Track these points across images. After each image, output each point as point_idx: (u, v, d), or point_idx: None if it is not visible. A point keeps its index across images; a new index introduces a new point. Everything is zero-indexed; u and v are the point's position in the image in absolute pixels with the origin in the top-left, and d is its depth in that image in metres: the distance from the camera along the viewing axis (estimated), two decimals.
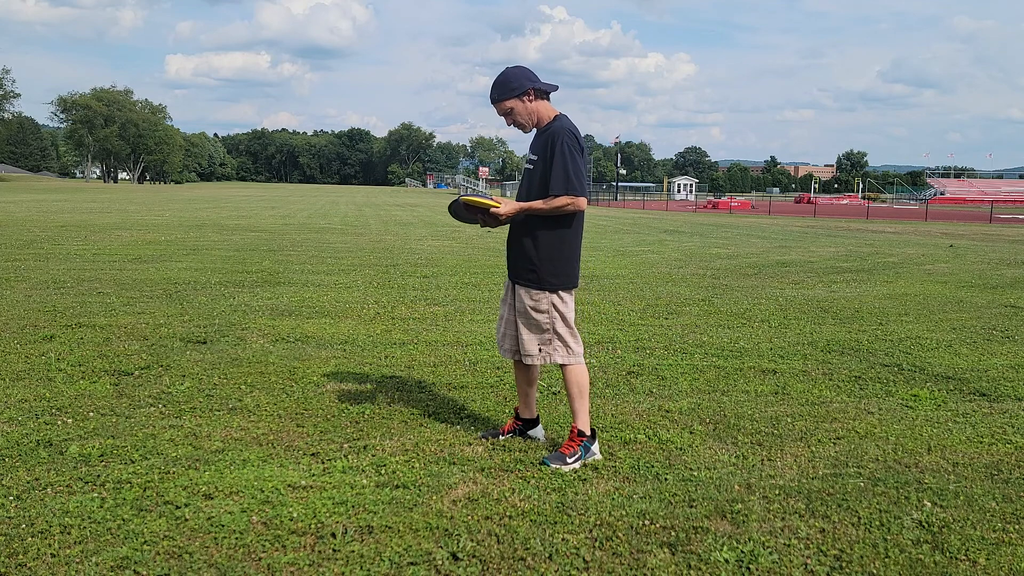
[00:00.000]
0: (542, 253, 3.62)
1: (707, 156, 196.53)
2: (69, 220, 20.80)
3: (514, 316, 3.77)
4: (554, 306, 3.66)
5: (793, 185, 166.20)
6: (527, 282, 3.66)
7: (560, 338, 3.68)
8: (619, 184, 79.59)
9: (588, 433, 3.67)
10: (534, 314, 3.65)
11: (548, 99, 3.70)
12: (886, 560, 2.77)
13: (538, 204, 3.57)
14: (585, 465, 3.59)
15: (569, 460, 3.56)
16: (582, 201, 3.58)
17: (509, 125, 3.72)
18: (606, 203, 61.07)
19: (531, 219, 3.62)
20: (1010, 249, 18.43)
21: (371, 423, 4.15)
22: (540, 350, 3.68)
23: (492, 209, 3.56)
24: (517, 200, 3.71)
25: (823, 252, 16.60)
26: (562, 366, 3.71)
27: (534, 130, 3.74)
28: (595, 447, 3.70)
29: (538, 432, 3.97)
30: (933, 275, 12.14)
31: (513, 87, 3.59)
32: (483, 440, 3.87)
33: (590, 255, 14.45)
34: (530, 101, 3.63)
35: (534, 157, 3.66)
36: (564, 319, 3.68)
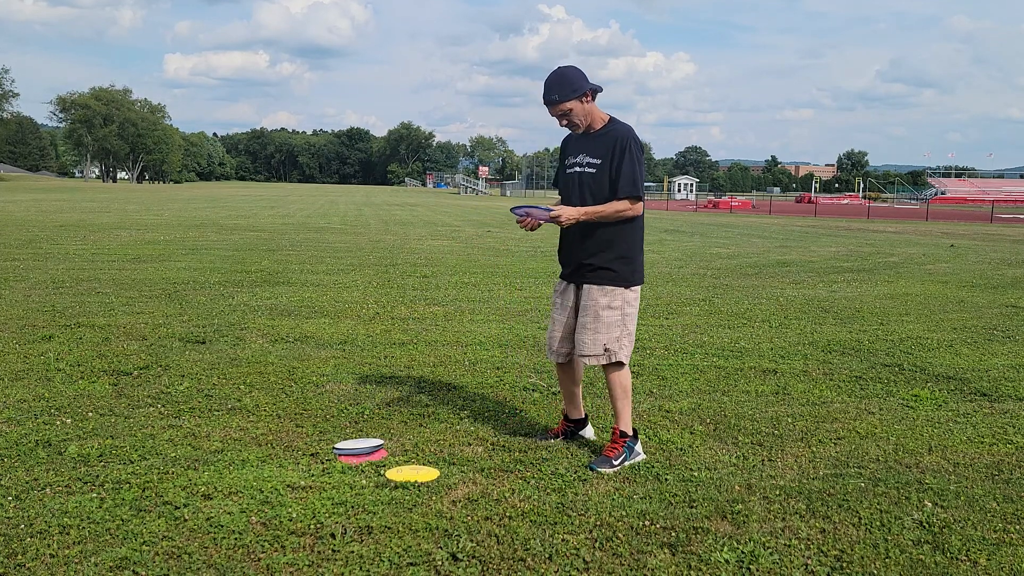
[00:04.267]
0: (616, 251, 3.65)
1: (707, 156, 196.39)
2: (68, 220, 20.78)
3: (574, 318, 3.77)
4: (627, 302, 3.69)
5: (794, 185, 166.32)
6: (602, 280, 3.66)
7: (628, 336, 3.71)
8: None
9: (631, 433, 3.70)
10: (606, 312, 3.65)
11: (595, 100, 3.71)
12: (887, 560, 2.76)
13: (600, 209, 3.59)
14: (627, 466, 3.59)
15: (615, 463, 3.57)
16: (640, 207, 3.63)
17: (562, 125, 3.71)
18: None
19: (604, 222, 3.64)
20: (1011, 249, 18.43)
21: (371, 423, 4.14)
22: (606, 349, 3.67)
23: (551, 215, 3.56)
24: (564, 203, 3.72)
25: (824, 252, 16.60)
26: (607, 366, 3.70)
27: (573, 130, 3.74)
28: (638, 447, 3.73)
29: (588, 432, 3.99)
30: (934, 275, 12.14)
31: (575, 87, 3.58)
32: (539, 443, 3.86)
33: None
34: (588, 102, 3.64)
35: (596, 161, 3.64)
36: (633, 316, 3.73)
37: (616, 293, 3.66)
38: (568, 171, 3.77)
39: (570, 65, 3.69)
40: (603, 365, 3.69)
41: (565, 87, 3.58)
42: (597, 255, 3.66)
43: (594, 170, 3.65)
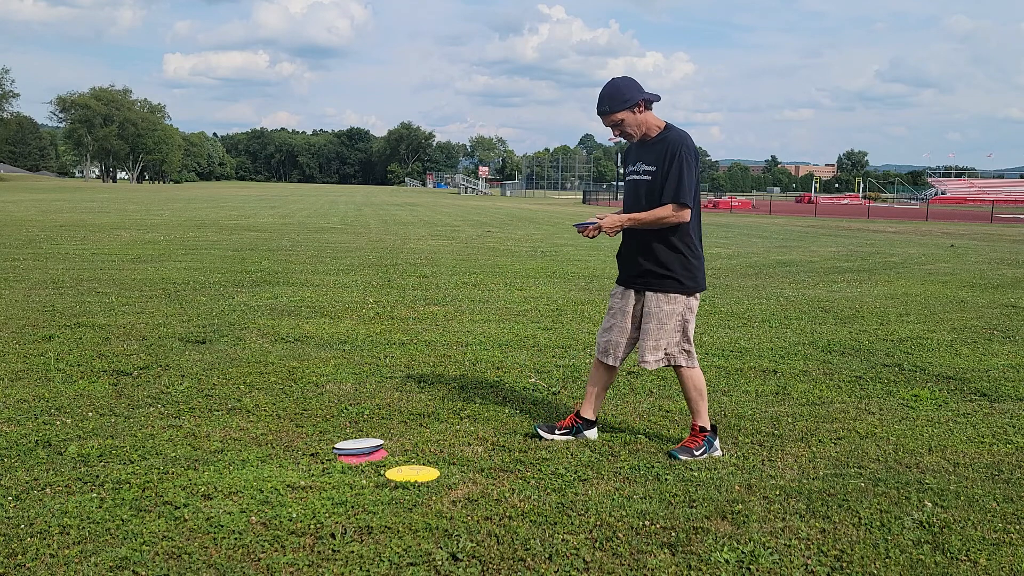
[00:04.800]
0: (676, 258, 3.73)
1: (707, 155, 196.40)
2: (68, 220, 20.78)
3: (633, 324, 3.85)
4: (688, 308, 3.77)
5: (794, 185, 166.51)
6: (666, 288, 3.73)
7: (688, 341, 3.79)
8: (619, 184, 79.51)
9: (709, 429, 3.80)
10: (668, 319, 3.74)
11: (652, 109, 3.77)
12: (887, 560, 2.76)
13: (643, 216, 3.68)
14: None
15: (696, 452, 3.74)
16: (686, 214, 3.67)
17: (616, 136, 3.80)
18: (607, 203, 61.06)
19: (659, 229, 3.70)
20: (1011, 249, 18.43)
21: (371, 423, 4.14)
22: (666, 354, 3.76)
23: (593, 224, 3.70)
24: (625, 210, 3.81)
25: (824, 252, 16.60)
26: (680, 368, 3.80)
27: (634, 139, 3.82)
28: (717, 443, 3.82)
29: (593, 433, 4.01)
30: (934, 275, 12.14)
31: (625, 99, 3.67)
32: (538, 432, 3.93)
33: (590, 255, 14.44)
34: (640, 112, 3.72)
35: (650, 168, 3.71)
36: (692, 321, 3.80)
37: (679, 300, 3.75)
38: (627, 179, 3.89)
39: (625, 76, 3.76)
40: (676, 368, 3.81)
41: (615, 99, 3.67)
42: (659, 263, 3.74)
43: (649, 177, 3.73)
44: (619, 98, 3.67)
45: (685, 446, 3.75)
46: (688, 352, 3.79)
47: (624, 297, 3.89)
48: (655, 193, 3.69)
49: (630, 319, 3.87)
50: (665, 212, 3.64)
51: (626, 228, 3.75)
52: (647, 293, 3.78)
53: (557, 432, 3.93)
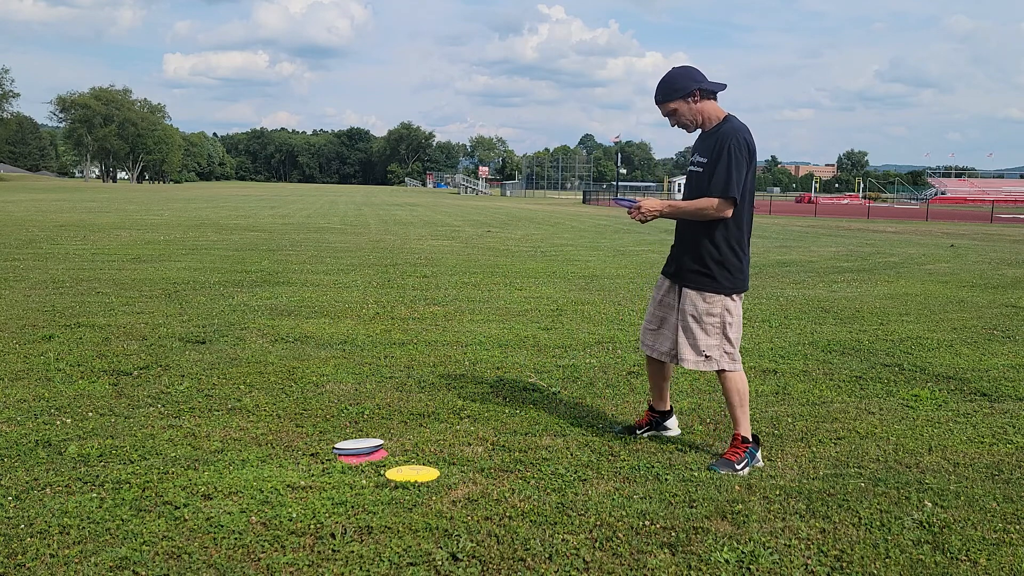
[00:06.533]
0: (713, 254, 3.61)
1: None
2: (68, 220, 20.78)
3: (676, 319, 3.74)
4: (727, 310, 3.67)
5: (794, 185, 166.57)
6: (700, 286, 3.65)
7: (729, 342, 3.68)
8: (619, 183, 79.49)
9: (751, 439, 3.67)
10: (707, 318, 3.65)
11: (715, 99, 3.66)
12: (887, 560, 2.76)
13: (683, 205, 3.63)
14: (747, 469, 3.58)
15: (738, 467, 3.55)
16: (728, 209, 3.55)
17: (673, 126, 3.72)
18: (607, 202, 61.05)
19: (703, 223, 3.60)
20: (1011, 249, 18.43)
21: (371, 423, 4.14)
22: (707, 356, 3.66)
23: (635, 206, 3.63)
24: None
25: (824, 252, 16.60)
26: (722, 372, 3.70)
27: (698, 130, 3.73)
28: (759, 454, 3.68)
29: (673, 423, 4.01)
30: (934, 275, 12.14)
31: (677, 88, 3.61)
32: (620, 436, 3.93)
33: (590, 255, 14.44)
34: (695, 102, 3.62)
35: (703, 160, 3.63)
36: (734, 324, 3.70)
37: (715, 300, 3.64)
38: (688, 169, 3.81)
39: (684, 66, 3.69)
40: (716, 371, 3.72)
41: (667, 88, 3.63)
42: (695, 257, 3.65)
43: (700, 169, 3.64)
44: (672, 87, 3.61)
45: (726, 459, 3.59)
46: (730, 355, 3.67)
47: (664, 289, 3.84)
48: (704, 185, 3.59)
49: (668, 311, 3.80)
50: (705, 203, 3.54)
51: (677, 219, 3.70)
52: (684, 290, 3.69)
53: (639, 432, 3.96)
